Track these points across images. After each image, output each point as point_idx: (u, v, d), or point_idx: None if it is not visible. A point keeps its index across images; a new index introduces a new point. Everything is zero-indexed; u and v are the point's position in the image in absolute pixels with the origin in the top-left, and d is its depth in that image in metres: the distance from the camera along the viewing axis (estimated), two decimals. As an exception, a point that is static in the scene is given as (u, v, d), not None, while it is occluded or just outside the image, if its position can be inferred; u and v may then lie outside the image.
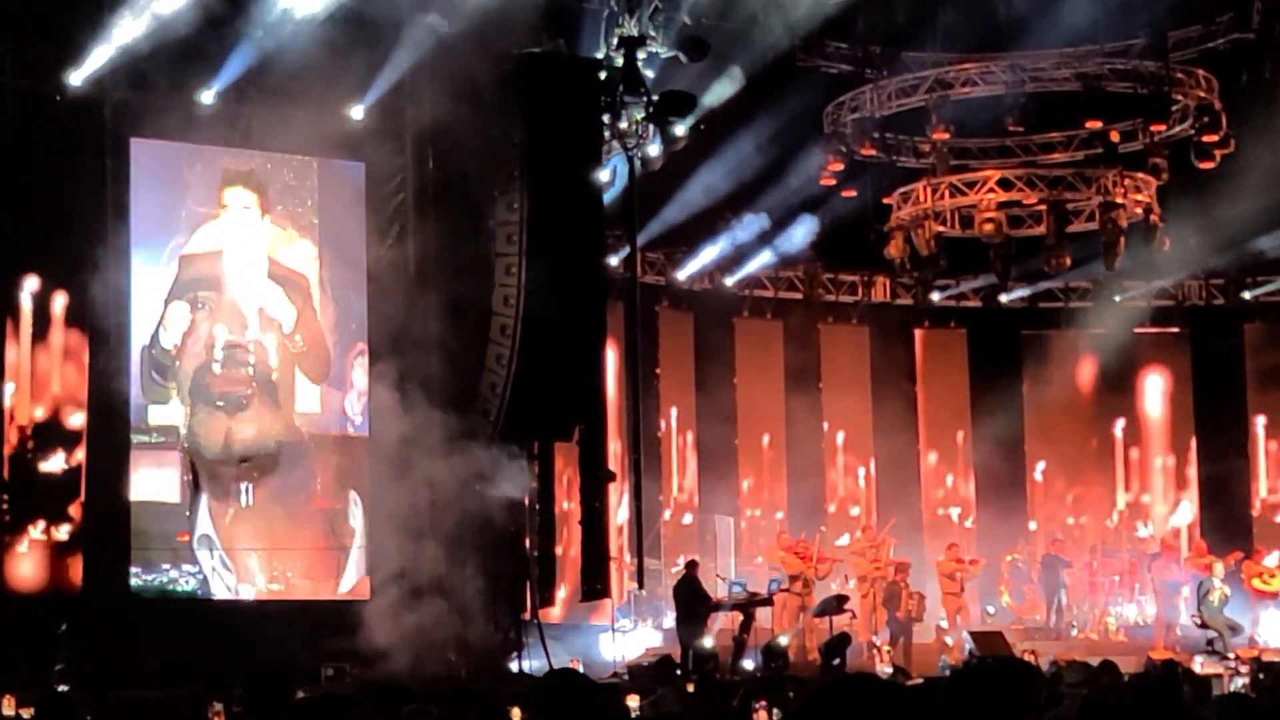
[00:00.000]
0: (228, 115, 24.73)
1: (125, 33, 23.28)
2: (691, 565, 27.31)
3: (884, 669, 26.21)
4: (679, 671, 22.46)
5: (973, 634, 28.03)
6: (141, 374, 24.58)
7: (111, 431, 24.03)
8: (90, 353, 23.59)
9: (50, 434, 23.44)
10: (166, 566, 24.47)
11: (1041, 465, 36.10)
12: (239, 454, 25.00)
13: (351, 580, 25.36)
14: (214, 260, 25.28)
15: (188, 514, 24.68)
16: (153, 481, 24.60)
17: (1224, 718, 8.63)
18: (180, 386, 24.83)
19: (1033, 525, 35.49)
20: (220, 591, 24.70)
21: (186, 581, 24.47)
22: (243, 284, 25.39)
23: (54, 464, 23.36)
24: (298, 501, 25.37)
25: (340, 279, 25.95)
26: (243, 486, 25.02)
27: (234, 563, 24.81)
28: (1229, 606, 29.13)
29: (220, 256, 25.33)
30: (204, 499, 24.77)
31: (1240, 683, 24.08)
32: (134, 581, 24.18)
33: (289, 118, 24.74)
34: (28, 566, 23.13)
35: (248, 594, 24.91)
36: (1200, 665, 25.33)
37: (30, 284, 23.22)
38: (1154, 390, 36.53)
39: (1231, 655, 26.42)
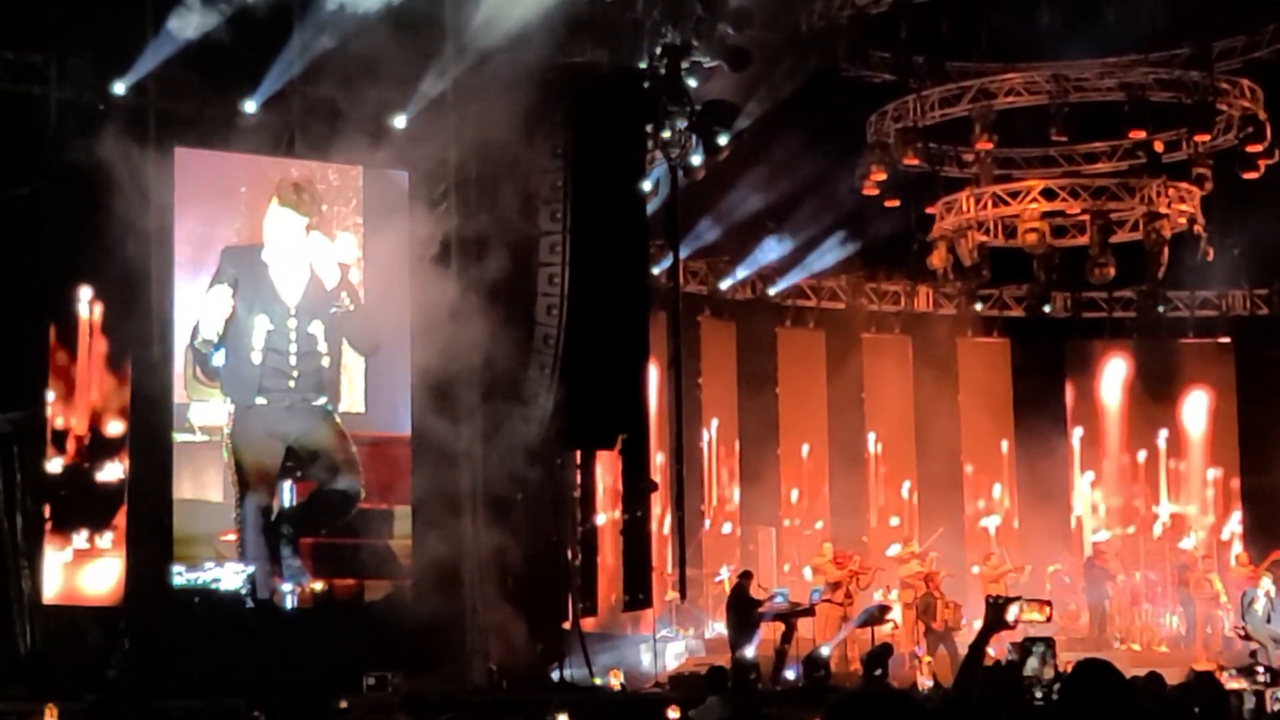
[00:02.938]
0: (271, 124, 24.78)
1: (169, 42, 23.35)
2: (745, 576, 27.24)
3: (924, 681, 26.15)
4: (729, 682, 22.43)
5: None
6: (185, 373, 24.66)
7: (155, 433, 24.09)
8: (133, 357, 23.63)
9: (96, 442, 23.47)
10: (210, 565, 24.45)
11: (1089, 476, 35.98)
12: (281, 452, 25.08)
13: (393, 585, 25.36)
14: (255, 252, 25.32)
15: (232, 513, 24.75)
16: (196, 480, 24.70)
17: None
18: (223, 383, 24.88)
19: (1084, 542, 35.31)
20: (262, 593, 24.65)
21: (230, 581, 24.47)
22: (285, 276, 25.42)
23: (99, 472, 23.39)
24: (340, 502, 25.41)
25: (383, 284, 25.93)
26: (285, 485, 25.08)
27: (276, 563, 24.84)
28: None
29: (261, 249, 25.38)
30: (247, 498, 24.83)
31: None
32: (177, 580, 24.17)
33: (333, 126, 24.83)
34: (72, 577, 23.16)
35: (289, 595, 24.92)
36: (1227, 680, 25.14)
37: (80, 293, 23.25)
38: (1198, 401, 36.36)
39: (1263, 668, 26.19)
